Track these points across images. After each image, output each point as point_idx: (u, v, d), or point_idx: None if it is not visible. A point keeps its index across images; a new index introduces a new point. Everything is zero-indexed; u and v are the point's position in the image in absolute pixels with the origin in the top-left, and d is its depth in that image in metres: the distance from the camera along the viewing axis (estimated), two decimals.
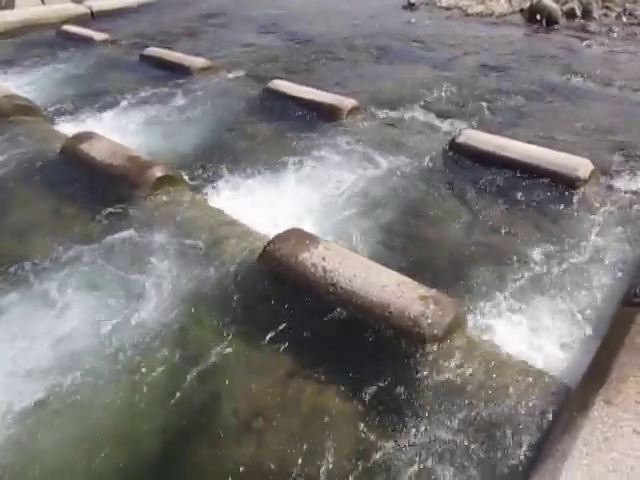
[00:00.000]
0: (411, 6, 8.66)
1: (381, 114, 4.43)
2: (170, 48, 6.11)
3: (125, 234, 2.77)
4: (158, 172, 3.12)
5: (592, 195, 3.16)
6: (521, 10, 8.13)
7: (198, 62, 5.52)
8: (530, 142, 3.67)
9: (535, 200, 3.17)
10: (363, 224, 3.01)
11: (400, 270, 2.35)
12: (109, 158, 3.25)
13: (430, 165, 3.61)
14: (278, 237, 2.51)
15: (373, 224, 3.02)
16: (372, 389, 1.94)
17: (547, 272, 2.61)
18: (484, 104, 4.68)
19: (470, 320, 2.28)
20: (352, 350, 2.09)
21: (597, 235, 2.86)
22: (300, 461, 1.75)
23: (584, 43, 6.57)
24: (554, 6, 7.68)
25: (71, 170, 3.33)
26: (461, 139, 3.73)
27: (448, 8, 8.55)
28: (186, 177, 3.36)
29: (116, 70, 5.71)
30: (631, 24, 7.45)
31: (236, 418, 1.90)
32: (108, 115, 4.50)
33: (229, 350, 2.13)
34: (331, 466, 1.73)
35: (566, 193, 3.18)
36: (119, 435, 1.88)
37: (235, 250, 2.62)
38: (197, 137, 4.09)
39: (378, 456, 1.75)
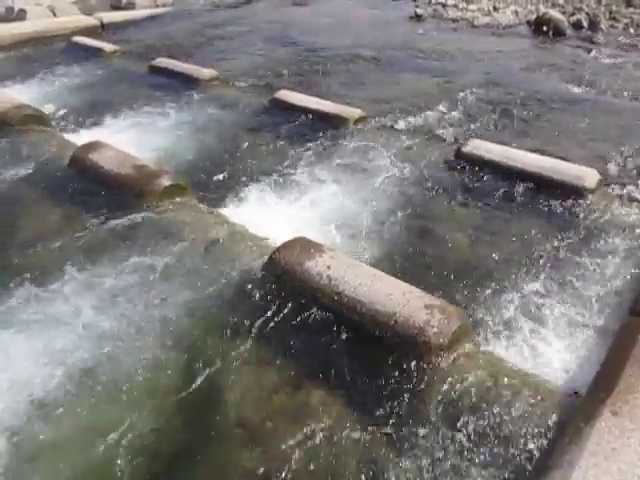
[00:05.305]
0: (418, 17, 8.72)
1: (387, 124, 4.45)
2: (178, 59, 6.17)
3: (133, 242, 2.78)
4: (166, 181, 3.14)
5: (599, 205, 3.15)
6: (528, 22, 8.16)
7: (206, 73, 5.56)
8: (536, 152, 3.68)
9: (542, 209, 3.17)
10: (368, 233, 3.02)
11: (406, 279, 2.34)
12: (117, 167, 3.28)
13: (436, 175, 3.61)
14: (283, 246, 2.52)
15: (379, 233, 3.03)
16: (377, 397, 1.93)
17: (554, 281, 2.60)
18: (491, 114, 4.69)
19: (476, 330, 2.27)
20: (357, 359, 2.08)
21: (604, 244, 2.85)
22: (305, 471, 1.74)
23: (591, 54, 6.58)
24: (561, 17, 7.71)
25: (80, 179, 3.36)
26: (467, 148, 3.74)
27: (455, 20, 8.59)
28: (193, 186, 3.38)
29: (125, 80, 5.77)
30: (638, 35, 7.45)
31: (241, 427, 1.90)
32: (117, 125, 4.55)
33: (234, 358, 2.13)
34: (336, 475, 1.73)
35: (573, 203, 3.17)
36: (121, 444, 1.88)
37: (241, 258, 2.63)
38: (204, 146, 4.11)
39: (383, 465, 1.74)
